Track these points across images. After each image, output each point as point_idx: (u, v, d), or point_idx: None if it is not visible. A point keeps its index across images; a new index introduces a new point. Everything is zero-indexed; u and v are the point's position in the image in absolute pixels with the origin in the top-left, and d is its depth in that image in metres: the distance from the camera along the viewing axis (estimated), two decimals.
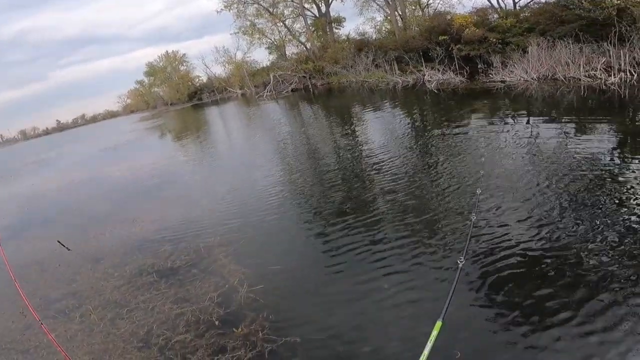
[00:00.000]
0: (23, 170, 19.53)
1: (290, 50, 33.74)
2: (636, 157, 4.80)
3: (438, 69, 15.92)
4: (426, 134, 8.42)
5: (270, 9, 30.82)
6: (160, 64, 53.51)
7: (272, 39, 34.07)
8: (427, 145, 7.45)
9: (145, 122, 34.57)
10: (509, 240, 3.50)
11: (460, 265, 1.98)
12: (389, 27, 26.66)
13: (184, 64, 52.95)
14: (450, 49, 15.82)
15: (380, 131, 9.75)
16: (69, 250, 5.81)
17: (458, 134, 7.67)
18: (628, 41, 10.13)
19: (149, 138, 21.47)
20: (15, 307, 4.32)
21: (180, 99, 51.19)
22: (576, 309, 2.58)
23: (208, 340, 3.08)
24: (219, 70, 45.97)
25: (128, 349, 3.18)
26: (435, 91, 14.10)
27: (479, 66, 14.97)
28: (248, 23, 32.20)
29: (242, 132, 15.49)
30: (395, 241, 3.92)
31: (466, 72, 15.41)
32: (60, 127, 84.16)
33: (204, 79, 49.82)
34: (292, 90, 27.59)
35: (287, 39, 33.34)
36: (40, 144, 44.31)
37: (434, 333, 1.59)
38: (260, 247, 4.56)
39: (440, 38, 16.27)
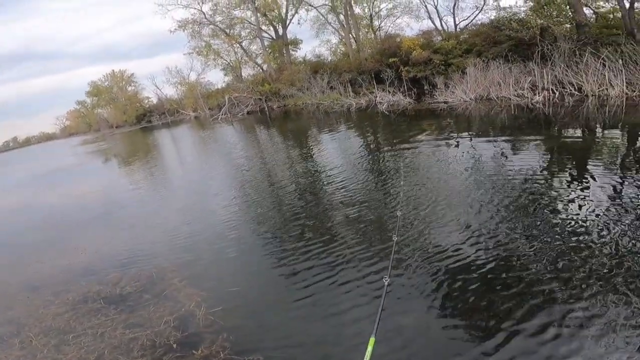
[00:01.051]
0: None
1: (247, 71, 33.81)
2: (562, 169, 5.53)
3: (389, 91, 16.90)
4: (377, 154, 8.81)
5: (227, 30, 30.81)
6: (106, 84, 50.77)
7: (228, 60, 33.86)
8: (376, 166, 7.77)
9: (88, 146, 32.11)
10: (446, 251, 3.76)
11: (386, 284, 2.11)
12: (343, 49, 27.82)
13: (132, 84, 50.87)
14: (399, 70, 16.83)
15: (335, 153, 10.00)
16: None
17: (406, 153, 8.16)
18: (550, 60, 11.53)
19: (92, 163, 19.95)
20: None
21: (127, 121, 48.62)
22: (505, 317, 2.79)
23: None
24: (170, 92, 44.89)
25: None
26: (386, 112, 14.89)
27: (424, 87, 16.06)
28: (203, 44, 31.88)
29: (196, 157, 14.99)
30: (348, 260, 3.98)
31: (414, 93, 16.50)
32: None
33: (154, 100, 48.11)
34: (247, 113, 27.49)
35: (243, 60, 33.34)
36: None
37: (369, 349, 1.64)
38: (217, 270, 4.39)
39: (390, 60, 17.23)
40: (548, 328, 2.57)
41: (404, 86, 16.88)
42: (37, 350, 3.31)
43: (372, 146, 10.14)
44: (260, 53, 31.91)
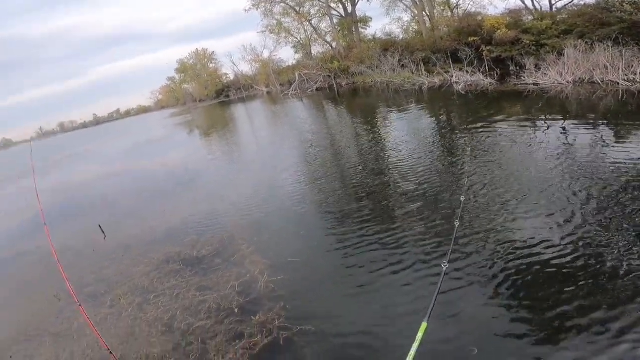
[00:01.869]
0: (62, 163, 20.81)
1: (316, 49, 33.96)
2: None
3: (467, 71, 15.53)
4: (452, 135, 8.27)
5: (297, 8, 31.11)
6: (191, 61, 55.30)
7: (298, 38, 34.42)
8: (451, 147, 7.33)
9: (175, 118, 35.82)
10: (536, 245, 3.45)
11: (444, 268, 2.04)
12: (416, 27, 26.22)
13: (213, 61, 54.49)
14: (480, 50, 15.40)
15: (404, 132, 9.65)
16: (105, 237, 6.19)
17: (486, 137, 7.49)
18: None
19: (179, 134, 22.27)
20: (51, 290, 4.67)
21: (208, 96, 52.66)
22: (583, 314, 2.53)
23: (227, 327, 3.25)
24: (246, 68, 46.89)
25: (152, 333, 3.39)
26: (463, 93, 13.78)
27: (510, 68, 14.48)
28: (275, 22, 32.71)
29: (268, 130, 15.77)
30: (407, 243, 3.94)
31: (496, 74, 14.95)
32: (97, 121, 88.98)
33: (231, 76, 51.02)
34: (316, 89, 27.74)
35: (313, 38, 33.54)
36: (78, 137, 46.92)
37: (420, 334, 1.62)
38: (282, 240, 4.70)
39: (469, 39, 15.86)
40: (618, 335, 2.30)
41: (484, 66, 15.34)
42: (123, 309, 3.90)
43: (444, 127, 9.54)
44: (330, 31, 31.75)
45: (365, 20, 30.17)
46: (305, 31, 33.43)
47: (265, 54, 40.78)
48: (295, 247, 4.41)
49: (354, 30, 29.74)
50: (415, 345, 1.57)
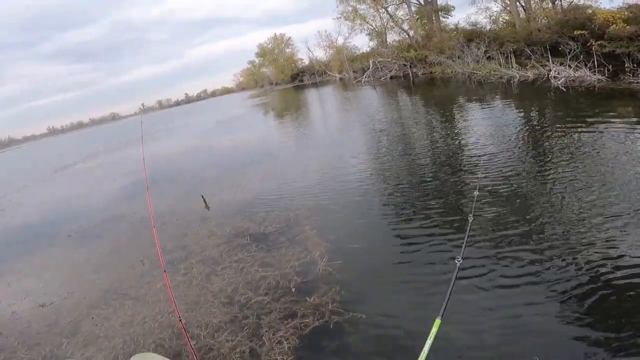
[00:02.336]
0: (156, 135, 23.68)
1: (392, 37, 32.80)
2: None
3: (569, 65, 13.58)
4: (542, 135, 7.30)
5: None
6: (269, 46, 57.68)
7: (374, 26, 33.55)
8: (537, 147, 6.53)
9: (254, 100, 38.04)
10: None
11: (458, 264, 1.93)
12: (507, 18, 23.57)
13: (290, 46, 56.15)
14: (588, 44, 13.31)
15: (484, 127, 8.84)
16: (208, 208, 6.70)
17: (584, 138, 6.49)
18: None
19: (256, 114, 23.66)
20: (139, 254, 5.29)
21: (284, 80, 54.61)
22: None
23: (282, 305, 3.42)
24: (320, 54, 47.42)
25: (215, 303, 3.68)
26: (563, 89, 12.10)
27: (625, 65, 12.28)
28: (350, 8, 32.31)
29: (338, 116, 15.86)
30: (473, 245, 3.70)
31: (607, 70, 12.81)
32: (187, 100, 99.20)
33: (306, 61, 52.06)
34: (390, 78, 26.88)
35: (388, 26, 32.42)
36: (172, 113, 52.65)
37: (434, 330, 1.58)
38: (343, 225, 4.78)
39: (575, 32, 13.79)
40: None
41: (592, 61, 13.21)
42: (193, 277, 4.28)
43: (534, 124, 8.49)
44: (407, 19, 30.21)
45: (447, 9, 27.96)
46: (381, 18, 32.57)
47: (340, 41, 40.75)
48: (357, 235, 4.44)
49: (433, 18, 27.82)
50: (429, 342, 1.55)
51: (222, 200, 6.89)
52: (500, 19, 24.47)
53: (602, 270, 3.00)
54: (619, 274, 2.92)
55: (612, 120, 7.36)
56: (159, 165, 12.03)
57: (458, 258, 1.95)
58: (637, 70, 11.22)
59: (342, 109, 17.81)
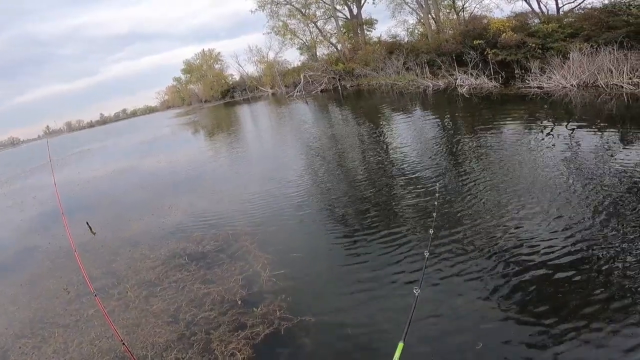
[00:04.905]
0: (68, 160, 21.09)
1: (321, 51, 34.29)
2: None
3: (471, 73, 15.58)
4: (456, 139, 8.29)
5: (303, 10, 31.42)
6: (197, 62, 55.79)
7: (304, 40, 34.82)
8: (454, 150, 7.38)
9: (181, 118, 36.16)
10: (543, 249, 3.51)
11: (417, 295, 2.04)
12: (421, 30, 26.33)
13: (219, 62, 54.92)
14: (485, 53, 15.44)
15: (407, 134, 9.73)
16: (94, 234, 6.29)
17: (489, 139, 7.55)
18: None
19: (184, 134, 22.48)
20: (61, 282, 4.80)
21: (213, 96, 53.04)
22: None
23: (230, 318, 3.35)
24: (251, 69, 47.39)
25: (158, 323, 3.50)
26: (467, 95, 13.83)
27: (515, 71, 14.50)
28: (280, 23, 33.13)
29: (272, 131, 15.91)
30: (407, 242, 4.01)
31: (501, 77, 14.97)
32: (103, 121, 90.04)
33: (237, 77, 51.41)
34: (321, 91, 27.90)
35: (318, 39, 33.87)
36: (84, 136, 47.46)
37: (397, 355, 1.64)
38: (284, 237, 4.82)
39: (474, 42, 15.90)
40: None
41: (489, 69, 15.37)
42: (130, 301, 4.01)
43: (449, 129, 9.61)
44: (335, 33, 32.13)
45: (370, 23, 30.42)
46: (311, 33, 33.92)
47: (271, 55, 41.21)
48: (297, 244, 4.52)
49: (359, 32, 29.95)
50: None
51: (154, 222, 6.40)
52: (416, 31, 27.15)
53: (529, 263, 3.39)
54: (538, 261, 3.31)
55: (508, 122, 8.73)
56: (74, 192, 10.72)
57: (416, 289, 2.05)
58: (524, 76, 13.31)
59: (276, 124, 17.91)
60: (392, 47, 23.32)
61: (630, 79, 10.03)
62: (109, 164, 15.47)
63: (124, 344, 2.27)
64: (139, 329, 3.48)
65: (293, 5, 31.47)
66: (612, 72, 10.52)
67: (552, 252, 3.33)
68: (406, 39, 26.55)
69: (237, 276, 3.98)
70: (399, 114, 13.09)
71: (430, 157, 6.97)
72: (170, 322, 3.48)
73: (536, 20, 15.74)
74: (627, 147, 5.76)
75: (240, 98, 45.65)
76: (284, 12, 32.33)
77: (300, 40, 34.90)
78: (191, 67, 56.66)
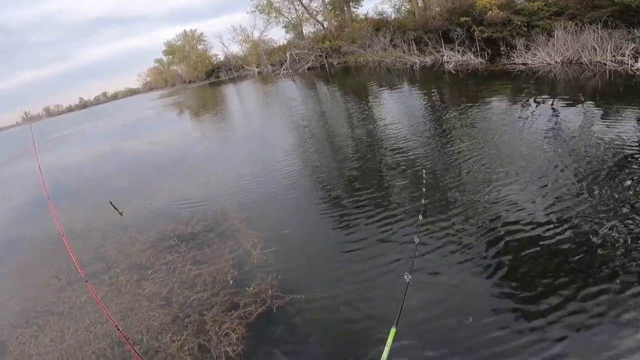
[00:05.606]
0: (49, 145, 20.41)
1: (307, 29, 33.36)
2: None
3: (457, 50, 15.49)
4: (444, 115, 8.32)
5: None
6: (179, 43, 53.73)
7: (289, 18, 33.73)
8: (441, 125, 7.43)
9: (164, 100, 35.10)
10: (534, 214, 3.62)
11: (408, 280, 2.06)
12: (408, 7, 25.85)
13: (202, 42, 52.99)
14: (471, 30, 15.32)
15: (397, 111, 9.69)
16: (121, 213, 6.10)
17: (476, 115, 7.61)
18: None
19: (168, 115, 21.91)
20: (51, 269, 4.75)
21: (198, 77, 51.43)
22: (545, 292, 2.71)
23: (222, 298, 3.39)
24: (236, 49, 45.93)
25: (152, 307, 3.52)
26: (454, 72, 13.81)
27: (501, 48, 14.48)
28: (265, 1, 32.06)
29: (259, 110, 15.64)
30: (395, 216, 4.08)
31: (487, 54, 14.94)
32: (83, 105, 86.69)
33: (221, 57, 49.82)
34: (308, 69, 27.38)
35: (304, 17, 32.88)
36: (64, 121, 45.81)
37: (390, 340, 1.66)
38: (273, 214, 4.84)
39: (461, 19, 15.74)
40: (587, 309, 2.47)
41: (475, 46, 15.31)
42: (121, 286, 4.00)
43: (436, 105, 9.61)
44: (321, 10, 31.24)
45: (357, 0, 29.65)
46: (296, 10, 32.86)
47: (256, 34, 39.94)
48: (288, 222, 4.53)
49: (345, 9, 29.20)
50: (386, 350, 1.62)
51: (141, 205, 6.34)
52: (403, 8, 26.64)
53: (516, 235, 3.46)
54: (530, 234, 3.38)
55: (493, 98, 8.78)
56: (59, 177, 10.46)
57: (407, 274, 2.07)
58: (510, 53, 13.31)
59: (262, 102, 17.59)
60: (379, 24, 22.90)
61: (613, 56, 10.16)
62: (91, 148, 15.06)
63: (118, 329, 2.28)
64: (132, 314, 3.50)
65: None
66: (595, 50, 10.62)
67: (540, 227, 3.40)
68: (393, 16, 26.02)
69: (227, 255, 4.01)
70: (386, 90, 13.01)
71: (418, 134, 6.99)
72: (164, 305, 3.51)
73: None
74: (610, 121, 5.92)
75: (225, 78, 44.41)
76: None
77: (286, 19, 33.85)
78: (173, 49, 54.52)
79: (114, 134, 18.19)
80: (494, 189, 4.23)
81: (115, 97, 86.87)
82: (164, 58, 58.35)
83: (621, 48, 10.14)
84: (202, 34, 52.86)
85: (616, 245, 2.98)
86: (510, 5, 14.83)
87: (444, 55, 16.03)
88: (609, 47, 10.30)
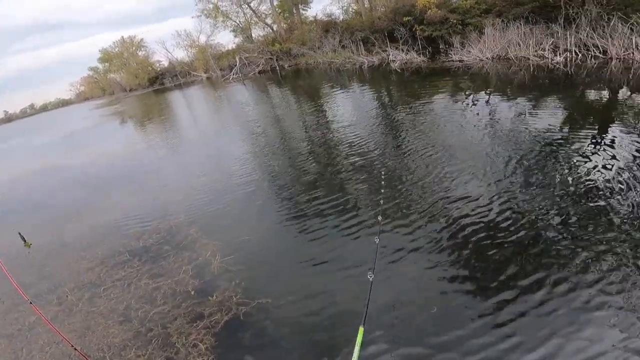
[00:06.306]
0: None
1: (257, 32, 33.08)
2: (583, 128, 5.40)
3: (402, 49, 16.27)
4: (393, 113, 8.69)
5: None
6: (116, 50, 50.44)
7: (237, 22, 33.13)
8: (390, 122, 7.77)
9: (103, 109, 32.71)
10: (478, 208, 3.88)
11: (371, 280, 2.06)
12: (355, 8, 26.66)
13: (142, 48, 50.29)
14: (413, 29, 16.15)
15: (349, 111, 9.92)
16: (29, 246, 5.52)
17: (420, 110, 8.07)
18: (574, 23, 10.87)
19: (108, 125, 20.42)
20: None
21: (140, 84, 48.59)
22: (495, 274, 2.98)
23: (185, 309, 3.25)
24: (181, 54, 44.15)
25: (109, 324, 3.29)
26: (399, 70, 14.48)
27: (440, 46, 15.43)
28: (211, 6, 31.25)
29: (210, 116, 15.15)
30: (354, 214, 4.17)
31: (428, 52, 15.85)
32: (8, 118, 77.57)
33: (165, 63, 47.63)
34: (259, 72, 27.09)
35: (252, 21, 32.53)
36: None
37: (359, 338, 1.67)
38: (232, 222, 4.71)
39: (404, 19, 16.52)
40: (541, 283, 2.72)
41: (418, 45, 16.21)
42: (72, 305, 3.71)
43: (385, 103, 10.02)
44: (270, 13, 31.12)
45: (306, 2, 30.01)
46: (245, 14, 32.43)
47: (203, 39, 38.72)
48: (247, 228, 4.44)
49: (294, 11, 29.36)
50: (356, 349, 1.64)
51: (86, 223, 5.83)
52: (351, 9, 27.39)
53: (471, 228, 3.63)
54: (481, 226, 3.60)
55: (435, 94, 9.39)
56: None
57: (370, 274, 2.07)
58: (448, 50, 14.25)
59: (212, 108, 17.08)
60: (328, 26, 23.37)
61: (535, 51, 11.30)
62: (26, 164, 13.55)
63: (75, 349, 2.16)
64: (89, 332, 3.27)
65: None
66: (520, 45, 11.75)
67: (487, 214, 3.60)
68: (341, 17, 26.71)
69: (186, 267, 3.85)
70: (338, 90, 13.29)
71: (372, 134, 7.20)
72: (123, 321, 3.30)
73: None
74: (535, 111, 6.60)
75: (171, 84, 42.41)
76: None
77: (234, 23, 33.21)
78: (109, 56, 50.99)
79: (50, 148, 16.56)
80: (447, 182, 4.43)
81: (44, 108, 79.04)
82: (100, 66, 54.52)
83: (542, 43, 11.32)
84: (142, 40, 50.22)
85: (560, 230, 3.20)
86: (447, 4, 15.83)
87: (389, 55, 16.76)
88: (531, 42, 11.45)
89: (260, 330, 2.87)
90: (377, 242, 2.49)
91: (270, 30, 30.86)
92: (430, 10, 15.43)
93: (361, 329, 1.73)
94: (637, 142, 4.55)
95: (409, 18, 16.31)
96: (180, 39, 41.35)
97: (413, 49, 16.10)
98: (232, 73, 28.36)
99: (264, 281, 3.42)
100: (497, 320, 2.50)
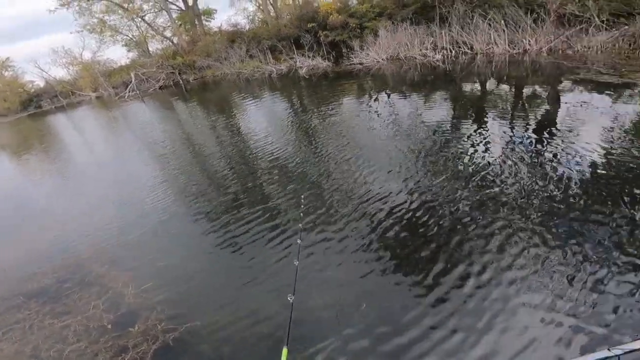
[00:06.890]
0: None
1: (154, 45, 30.58)
2: (465, 117, 6.37)
3: (308, 56, 16.91)
4: (306, 119, 8.85)
5: (125, 5, 27.09)
6: None
7: (130, 36, 30.23)
8: (307, 132, 7.79)
9: None
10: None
11: (292, 302, 2.04)
12: (261, 16, 26.71)
13: (9, 68, 42.41)
14: (318, 35, 16.81)
15: (262, 121, 9.83)
16: None
17: (330, 113, 8.54)
18: (447, 21, 12.59)
19: None
20: None
21: (10, 109, 40.79)
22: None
23: (105, 344, 2.90)
24: (60, 73, 38.36)
25: None
26: (307, 76, 14.99)
27: (343, 51, 16.41)
28: (95, 20, 27.86)
29: (106, 140, 13.37)
30: (274, 226, 4.11)
31: (332, 56, 16.77)
32: None
33: (41, 83, 40.92)
34: (160, 88, 25.15)
35: (149, 34, 30.02)
36: None
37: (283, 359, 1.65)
38: (141, 249, 4.28)
39: (309, 25, 17.05)
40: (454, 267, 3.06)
41: (322, 50, 17.03)
42: None
43: (297, 109, 10.26)
44: (169, 26, 29.07)
45: (209, 13, 28.85)
46: (138, 28, 29.66)
47: (87, 55, 34.39)
48: (162, 254, 4.07)
49: (197, 23, 28.02)
50: None
51: None
52: (256, 18, 27.27)
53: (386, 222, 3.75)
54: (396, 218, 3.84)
55: (343, 96, 10.03)
56: None
57: (290, 296, 2.04)
58: (349, 54, 15.28)
59: (109, 131, 15.14)
60: (234, 36, 22.91)
61: (420, 50, 12.87)
62: None
63: None
64: None
65: (110, 1, 26.68)
66: (407, 45, 13.26)
67: (407, 211, 3.79)
68: (247, 27, 26.45)
69: (95, 302, 3.40)
70: (249, 101, 13.13)
71: (286, 142, 7.13)
72: None
73: (354, 1, 17.71)
74: (426, 105, 7.57)
75: (51, 107, 36.51)
76: (100, 8, 27.14)
77: (126, 37, 30.20)
78: None
79: None
80: (367, 185, 4.57)
81: None
82: None
83: (424, 42, 12.93)
84: (7, 58, 42.28)
85: (472, 216, 3.45)
86: (346, 9, 16.84)
87: (297, 62, 17.25)
88: (416, 42, 13.01)
89: (197, 353, 2.70)
90: (296, 264, 2.39)
91: (171, 43, 28.96)
92: (331, 16, 16.28)
93: (285, 350, 1.69)
94: (510, 125, 5.58)
95: (313, 24, 16.94)
96: (57, 56, 36.09)
97: (318, 54, 16.85)
98: (127, 90, 25.72)
99: (188, 305, 3.19)
100: (422, 311, 2.62)
